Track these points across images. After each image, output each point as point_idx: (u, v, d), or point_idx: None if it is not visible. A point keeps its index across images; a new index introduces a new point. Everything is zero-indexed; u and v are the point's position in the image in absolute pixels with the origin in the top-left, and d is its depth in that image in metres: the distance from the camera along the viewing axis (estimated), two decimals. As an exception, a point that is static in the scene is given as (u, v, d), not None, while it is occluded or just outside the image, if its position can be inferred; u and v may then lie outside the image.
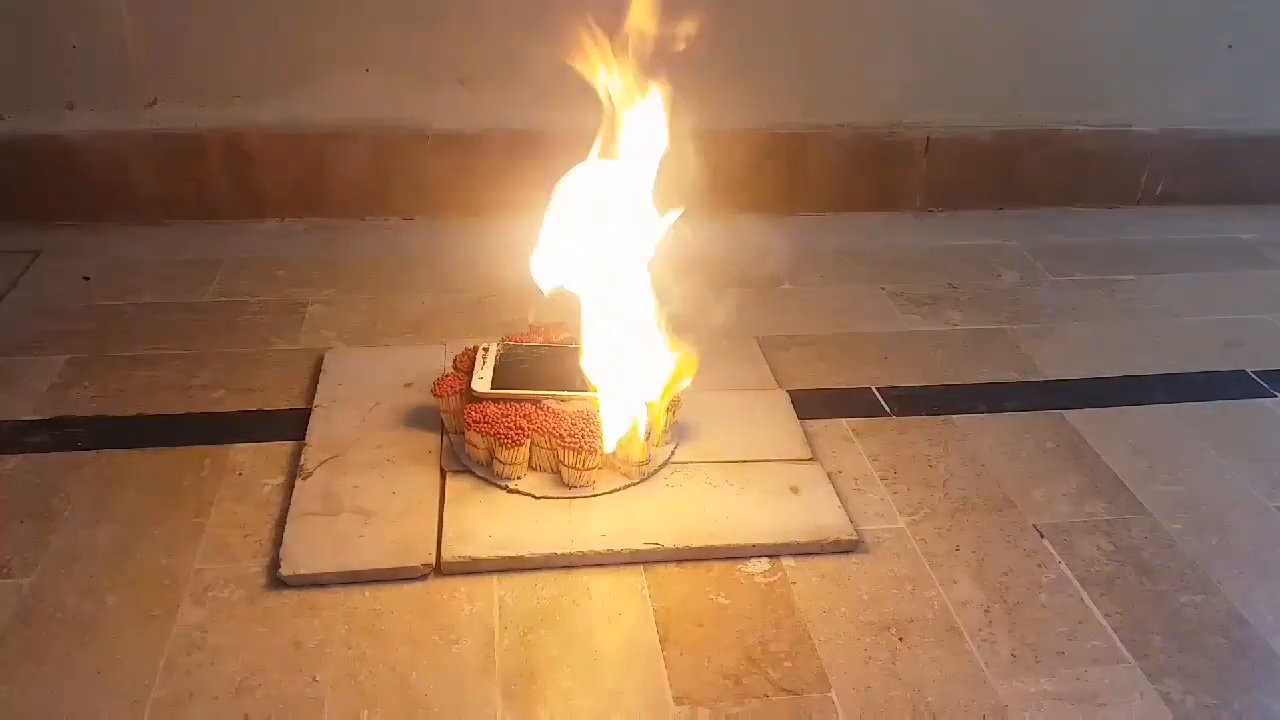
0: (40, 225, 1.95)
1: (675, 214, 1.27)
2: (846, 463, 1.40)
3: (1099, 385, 1.64)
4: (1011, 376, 1.65)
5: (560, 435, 1.27)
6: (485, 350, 1.40)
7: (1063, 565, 1.24)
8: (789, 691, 1.05)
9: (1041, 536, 1.29)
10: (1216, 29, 2.19)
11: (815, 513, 1.28)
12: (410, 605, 1.13)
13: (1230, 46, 2.21)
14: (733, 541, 1.23)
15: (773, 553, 1.23)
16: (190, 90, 1.92)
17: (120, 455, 1.34)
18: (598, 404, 1.31)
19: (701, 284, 1.82)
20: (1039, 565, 1.24)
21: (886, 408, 1.54)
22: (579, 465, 1.27)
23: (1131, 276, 2.02)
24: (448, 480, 1.30)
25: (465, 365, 1.39)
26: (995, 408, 1.55)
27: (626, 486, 1.31)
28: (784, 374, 1.60)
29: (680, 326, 1.34)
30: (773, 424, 1.45)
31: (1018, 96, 2.18)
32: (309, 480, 1.29)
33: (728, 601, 1.16)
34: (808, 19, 2.04)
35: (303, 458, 1.33)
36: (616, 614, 1.14)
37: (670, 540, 1.22)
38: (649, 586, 1.18)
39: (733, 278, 1.91)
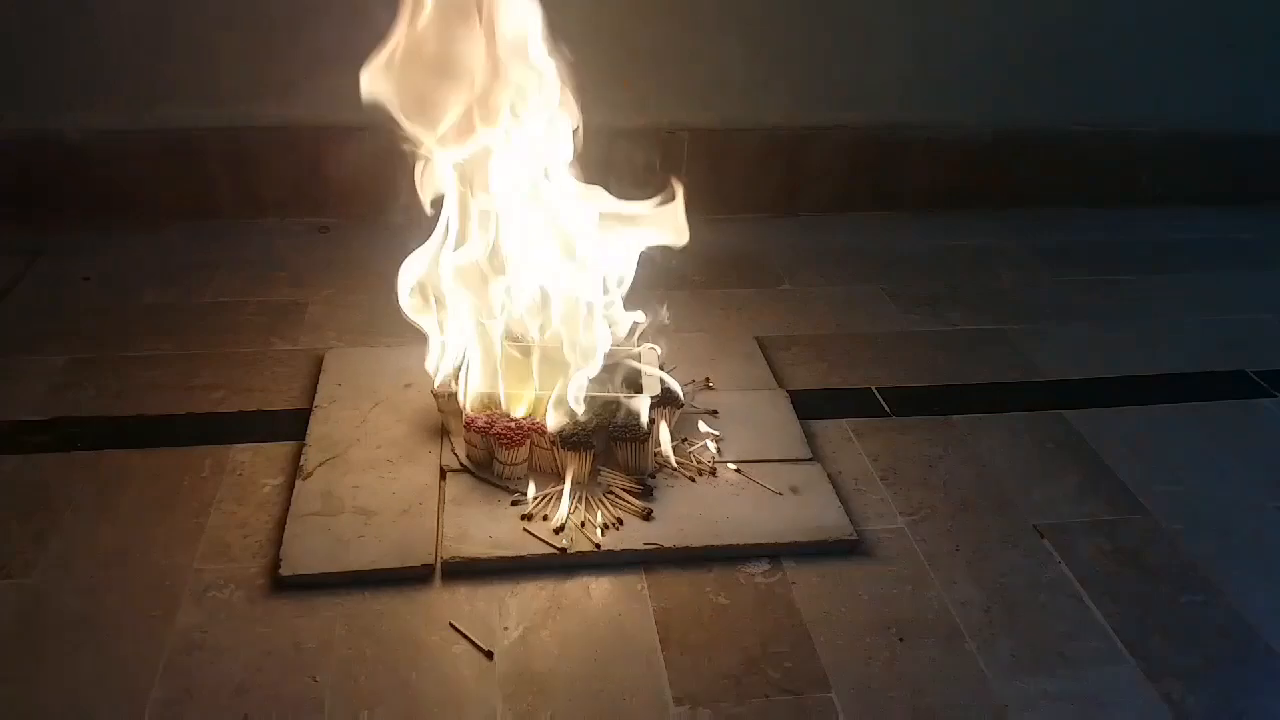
0: (40, 225, 1.95)
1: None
2: (846, 463, 1.40)
3: (1099, 385, 1.63)
4: (1011, 376, 1.65)
5: (560, 436, 1.27)
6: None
7: (1063, 565, 1.24)
8: (789, 692, 1.05)
9: (1041, 536, 1.29)
10: (1217, 30, 2.19)
11: (815, 513, 1.28)
12: (410, 605, 1.13)
13: (1230, 47, 2.21)
14: (733, 542, 1.23)
15: (773, 553, 1.23)
16: (190, 90, 1.92)
17: (120, 455, 1.34)
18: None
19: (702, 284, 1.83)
20: (1039, 565, 1.24)
21: (886, 408, 1.54)
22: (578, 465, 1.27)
23: (1131, 276, 2.02)
24: (448, 480, 1.30)
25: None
26: (995, 408, 1.55)
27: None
28: (784, 374, 1.60)
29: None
30: (773, 424, 1.45)
31: (1018, 96, 2.18)
32: (309, 480, 1.29)
33: (728, 602, 1.16)
34: (808, 19, 2.03)
35: (303, 458, 1.33)
36: (616, 614, 1.14)
37: (670, 540, 1.22)
38: (649, 587, 1.17)
39: (733, 278, 1.91)
